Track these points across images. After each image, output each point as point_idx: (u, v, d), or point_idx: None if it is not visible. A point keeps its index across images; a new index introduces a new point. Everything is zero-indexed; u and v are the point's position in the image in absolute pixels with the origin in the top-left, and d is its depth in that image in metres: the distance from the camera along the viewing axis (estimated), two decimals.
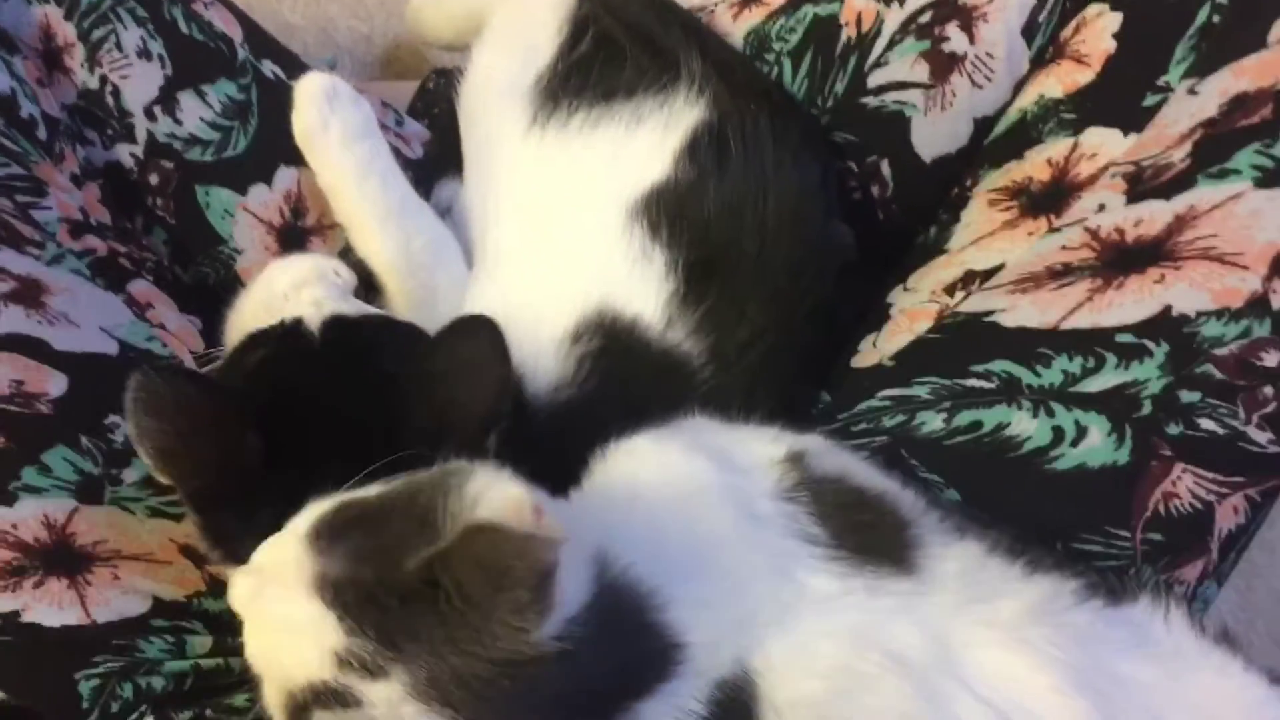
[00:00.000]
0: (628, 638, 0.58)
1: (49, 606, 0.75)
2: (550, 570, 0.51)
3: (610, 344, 0.85)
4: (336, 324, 0.81)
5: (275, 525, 0.62)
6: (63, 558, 0.76)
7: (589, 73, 0.93)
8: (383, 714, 0.54)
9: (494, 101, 0.95)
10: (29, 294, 0.80)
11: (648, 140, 0.88)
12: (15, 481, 0.75)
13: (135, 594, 0.78)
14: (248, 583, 0.61)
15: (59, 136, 0.90)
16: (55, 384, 0.78)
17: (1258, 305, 0.73)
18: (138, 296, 0.90)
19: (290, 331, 0.80)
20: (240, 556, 0.65)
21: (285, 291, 0.90)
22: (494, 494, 0.52)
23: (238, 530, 0.71)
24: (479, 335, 0.76)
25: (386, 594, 0.54)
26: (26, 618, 0.74)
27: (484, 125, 0.97)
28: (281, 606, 0.57)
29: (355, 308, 0.84)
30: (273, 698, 0.58)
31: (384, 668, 0.54)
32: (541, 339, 0.87)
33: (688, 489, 0.67)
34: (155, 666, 0.78)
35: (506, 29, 1.00)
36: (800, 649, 0.61)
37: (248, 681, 0.78)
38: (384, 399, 0.75)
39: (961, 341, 0.82)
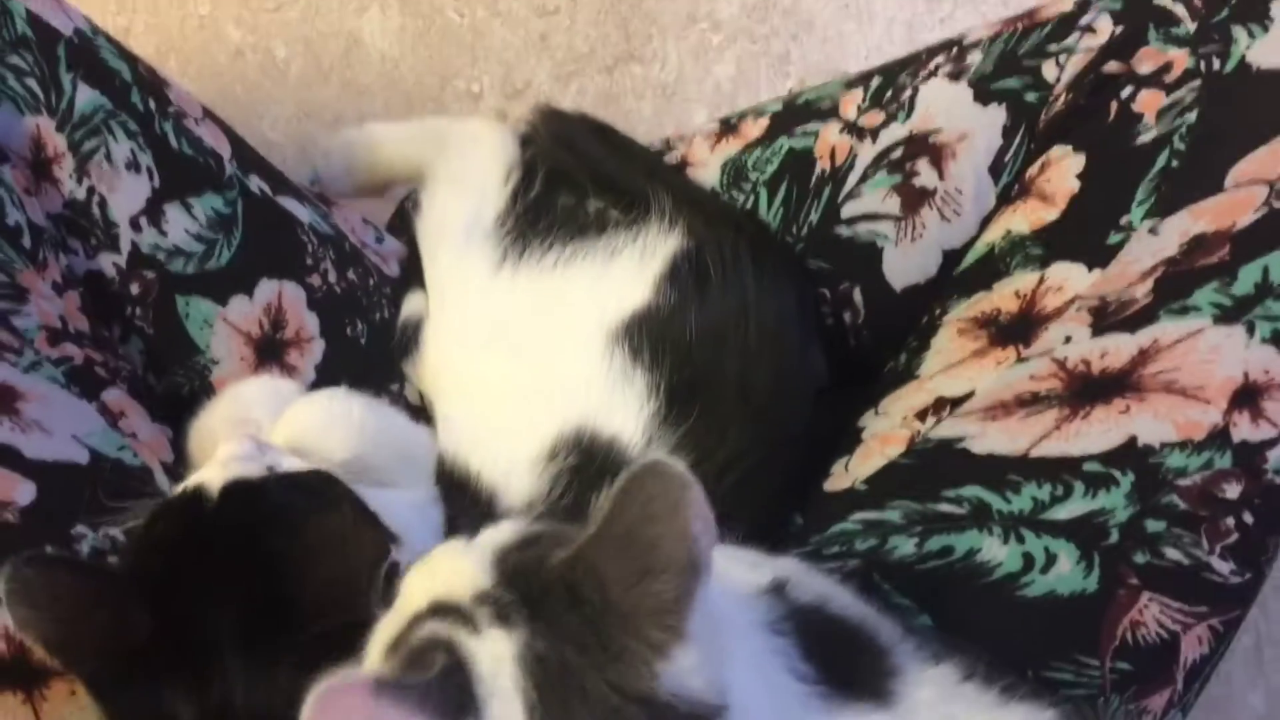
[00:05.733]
0: None
1: None
2: (698, 563, 0.52)
3: (588, 461, 0.85)
4: (236, 489, 0.75)
5: (172, 703, 0.65)
6: None
7: (552, 212, 0.96)
8: (486, 661, 0.54)
9: (455, 241, 0.98)
10: (3, 401, 0.79)
11: (627, 269, 0.90)
12: None
13: None
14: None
15: (43, 244, 0.89)
16: (24, 492, 0.77)
17: (1219, 437, 0.75)
18: (111, 405, 0.89)
19: (191, 499, 0.75)
20: None
21: (254, 408, 0.91)
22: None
23: (137, 709, 0.69)
24: (340, 508, 0.75)
25: (538, 576, 0.56)
26: None
27: (447, 263, 0.99)
28: (445, 561, 0.60)
29: (273, 462, 0.78)
30: (384, 632, 0.59)
31: (511, 619, 0.55)
32: (516, 457, 0.88)
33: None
34: None
35: (451, 177, 1.03)
36: None
37: None
38: (266, 573, 0.71)
39: (933, 467, 0.83)
